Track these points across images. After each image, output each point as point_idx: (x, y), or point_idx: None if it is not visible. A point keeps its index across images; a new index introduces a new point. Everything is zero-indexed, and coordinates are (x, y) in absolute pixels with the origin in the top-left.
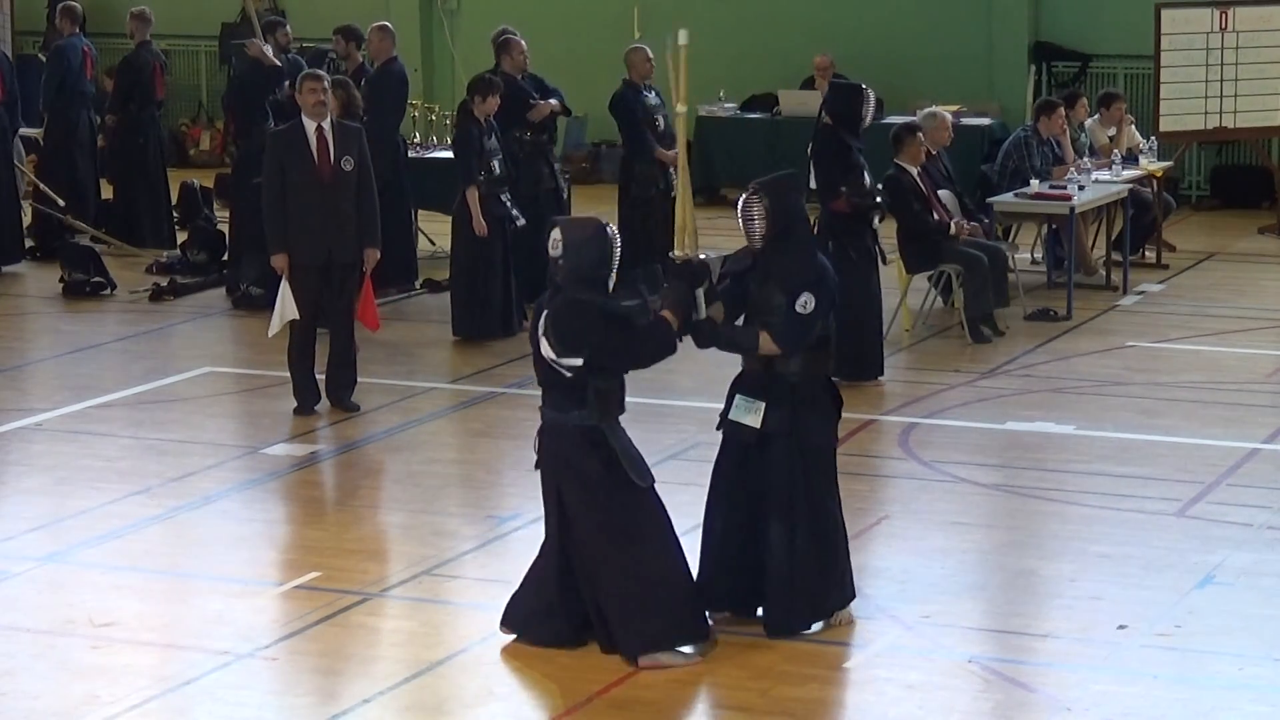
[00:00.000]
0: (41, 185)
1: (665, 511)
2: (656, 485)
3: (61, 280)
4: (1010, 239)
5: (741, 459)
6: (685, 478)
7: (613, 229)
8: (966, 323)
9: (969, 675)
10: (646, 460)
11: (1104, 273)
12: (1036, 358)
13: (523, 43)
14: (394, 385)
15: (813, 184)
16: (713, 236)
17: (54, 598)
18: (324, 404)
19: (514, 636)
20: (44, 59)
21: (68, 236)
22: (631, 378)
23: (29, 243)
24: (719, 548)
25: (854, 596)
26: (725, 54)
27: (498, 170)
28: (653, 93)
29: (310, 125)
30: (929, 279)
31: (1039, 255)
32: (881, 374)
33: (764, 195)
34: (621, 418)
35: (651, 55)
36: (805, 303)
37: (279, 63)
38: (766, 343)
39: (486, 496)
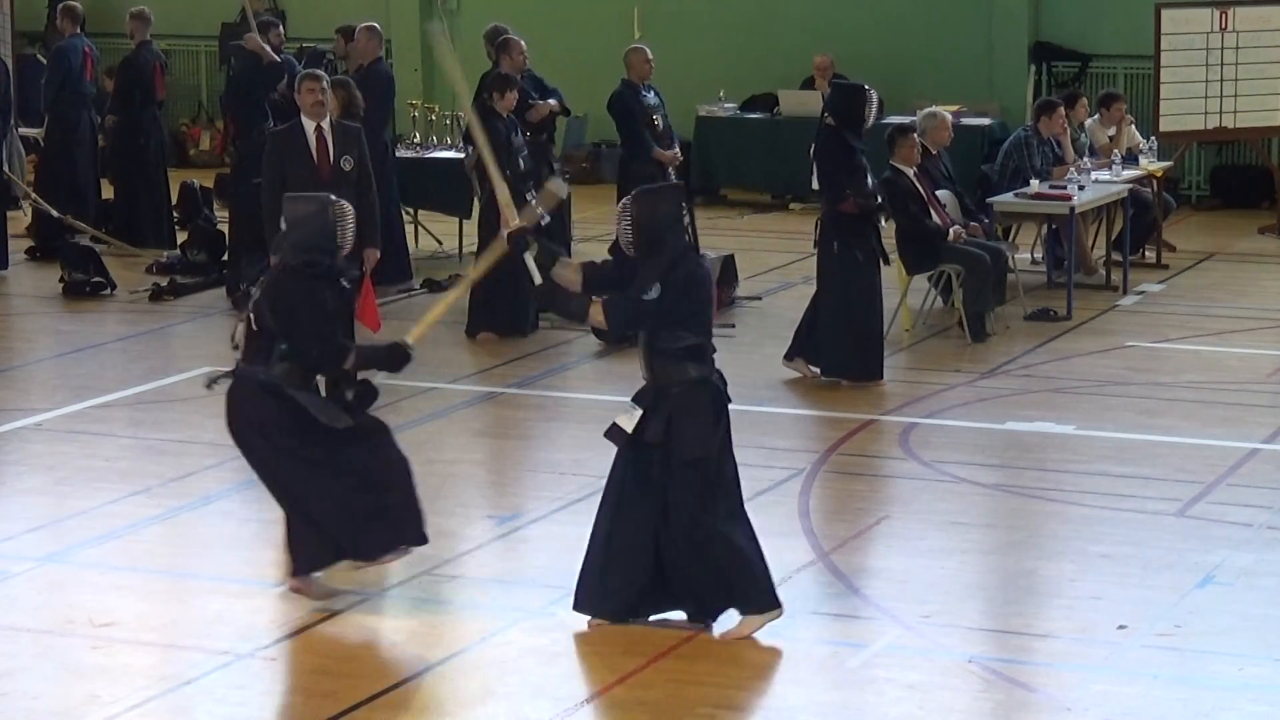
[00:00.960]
0: (33, 195)
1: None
2: None
3: (61, 280)
4: (1010, 239)
5: (625, 465)
6: None
7: (340, 206)
8: (966, 322)
9: (969, 675)
10: None
11: (1104, 273)
12: (1036, 358)
13: (522, 42)
14: (394, 385)
15: (815, 185)
16: (712, 237)
17: (54, 598)
18: None
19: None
20: (44, 59)
21: (68, 236)
22: (630, 379)
23: (29, 243)
24: (604, 555)
25: (766, 609)
26: (725, 54)
27: (523, 167)
28: (651, 92)
29: (309, 125)
30: (929, 279)
31: (1039, 255)
32: (882, 374)
33: (634, 204)
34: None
35: (651, 55)
36: (651, 291)
37: (277, 58)
38: (595, 312)
39: (487, 496)
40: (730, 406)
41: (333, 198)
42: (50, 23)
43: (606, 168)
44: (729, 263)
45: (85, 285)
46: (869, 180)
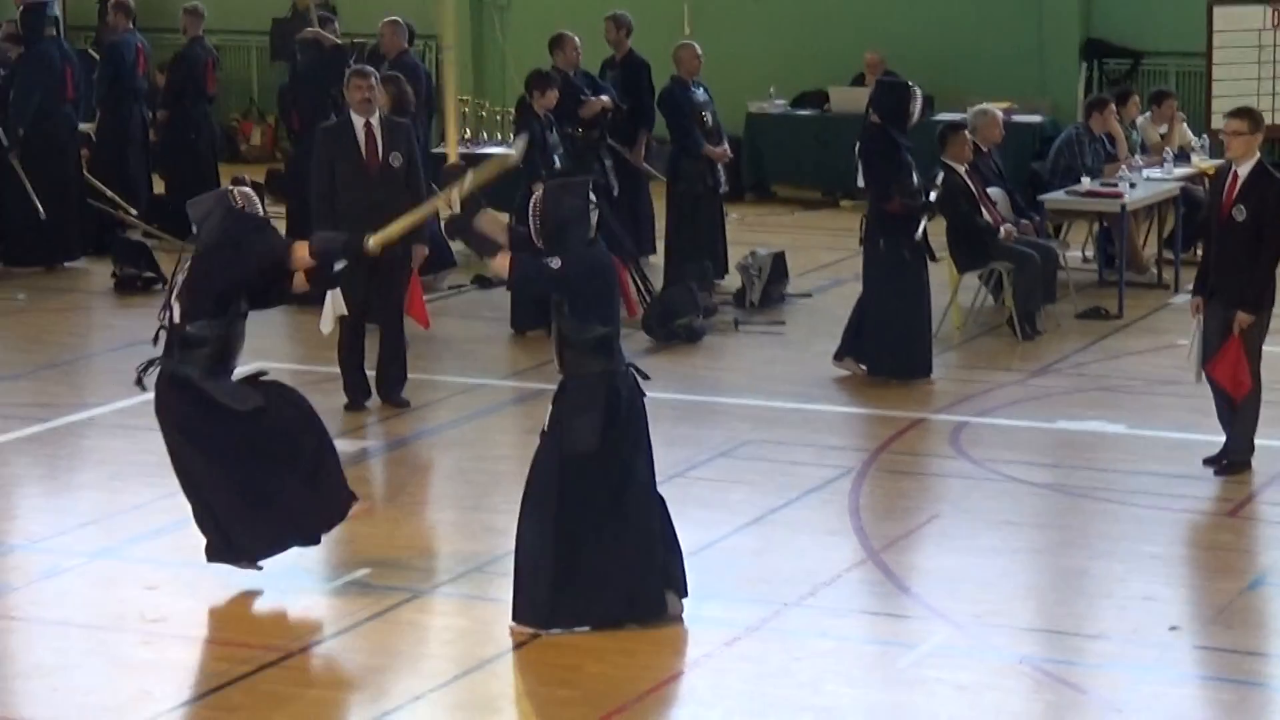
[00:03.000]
0: (96, 184)
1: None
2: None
3: (114, 275)
4: (1061, 237)
5: (534, 459)
6: (735, 475)
7: (239, 191)
8: (1017, 320)
9: (1020, 676)
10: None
11: (1155, 271)
12: (1087, 356)
13: (576, 39)
14: (445, 381)
15: (860, 182)
16: (762, 234)
17: (105, 593)
18: (374, 400)
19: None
20: (96, 54)
21: (119, 232)
22: (681, 377)
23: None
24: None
25: (612, 626)
26: (776, 51)
27: (559, 165)
28: (701, 89)
29: (359, 121)
30: (980, 277)
31: (1090, 253)
32: (931, 372)
33: (542, 197)
34: (668, 415)
35: (700, 52)
36: (554, 260)
37: (339, 41)
38: (502, 261)
39: None
40: (779, 404)
41: (229, 188)
42: (102, 18)
43: (656, 165)
44: (779, 259)
45: (137, 280)
46: (914, 178)
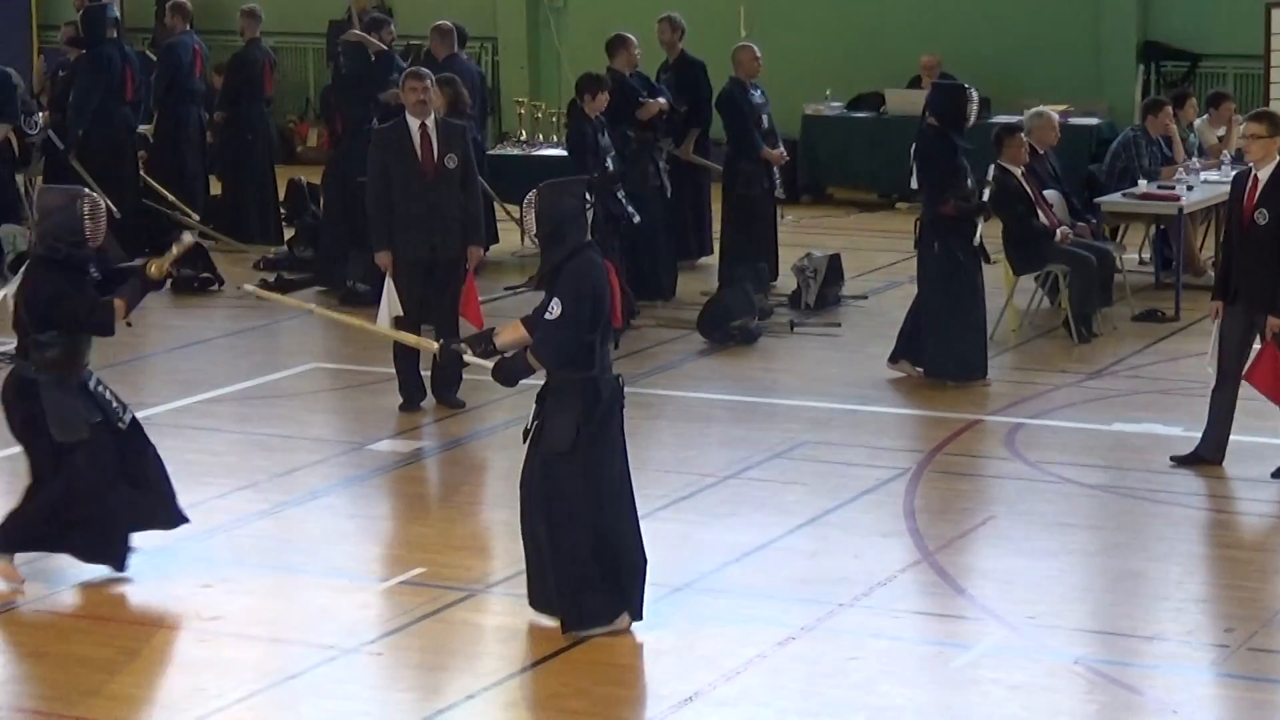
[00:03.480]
0: (166, 192)
1: (102, 463)
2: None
3: (170, 275)
4: (1118, 239)
5: (528, 460)
6: (791, 476)
7: (90, 201)
8: (1073, 323)
9: (1074, 677)
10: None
11: (1212, 273)
12: (1144, 359)
13: (635, 41)
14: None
15: (913, 184)
16: (818, 236)
17: (162, 591)
18: (429, 400)
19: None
20: (153, 56)
21: (176, 233)
22: (737, 378)
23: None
24: (534, 555)
25: (613, 618)
26: (832, 53)
27: (611, 167)
28: (758, 91)
29: (414, 123)
30: (1035, 279)
31: (1147, 256)
32: (986, 374)
33: (538, 197)
34: (723, 416)
35: (759, 54)
36: (552, 308)
37: (384, 46)
38: (532, 361)
39: None
40: (834, 406)
41: (86, 191)
42: (159, 20)
43: (715, 162)
44: (834, 261)
45: (194, 281)
46: (969, 181)
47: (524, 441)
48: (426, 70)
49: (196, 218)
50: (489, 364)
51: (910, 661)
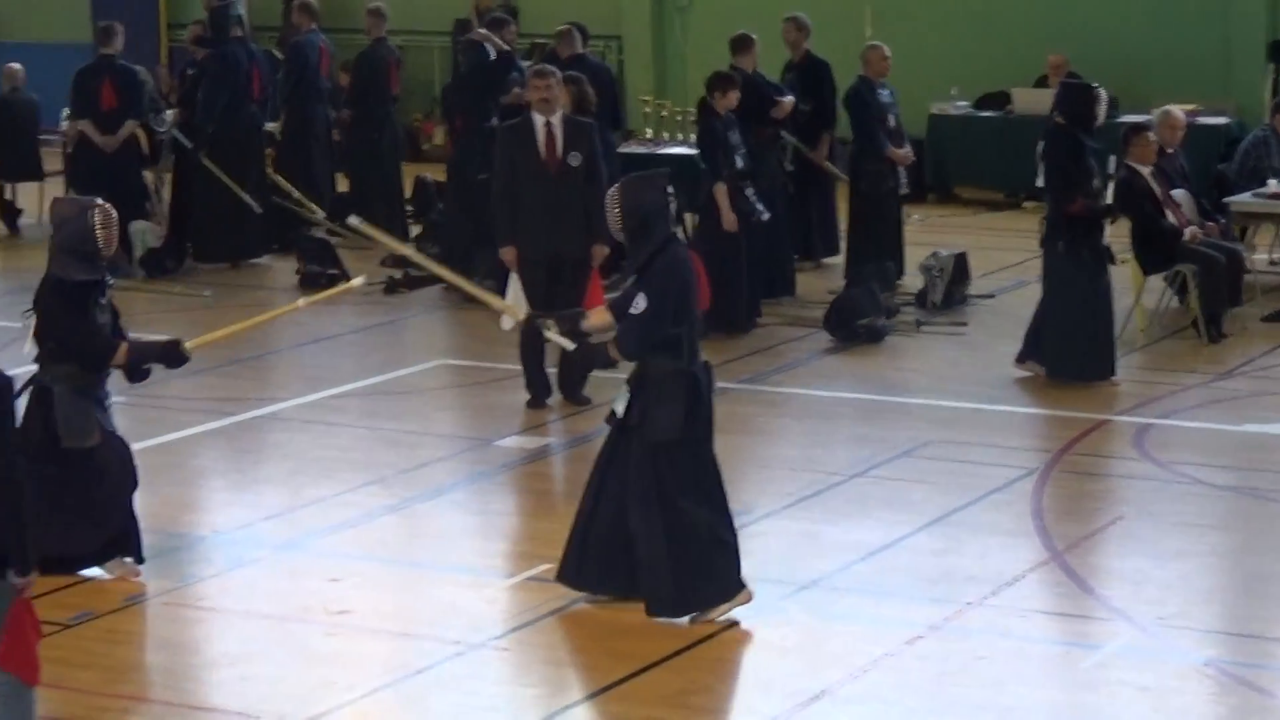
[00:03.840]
0: (293, 190)
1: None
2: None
3: (298, 272)
4: (1247, 240)
5: (613, 448)
6: (917, 475)
7: (102, 211)
8: (1202, 323)
9: (1204, 679)
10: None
11: None
12: (1274, 359)
13: (754, 38)
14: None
15: (1039, 183)
16: (944, 235)
17: (290, 585)
18: (556, 397)
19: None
20: (280, 55)
21: (304, 229)
22: (863, 377)
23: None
24: (585, 531)
25: (736, 592)
26: (958, 51)
27: (741, 165)
28: (886, 90)
29: (539, 120)
30: (1164, 279)
31: (1276, 256)
32: (1114, 374)
33: (621, 192)
34: (850, 414)
35: (888, 53)
36: (636, 303)
37: (505, 47)
38: (613, 352)
39: None
40: (961, 405)
41: (98, 201)
42: (286, 19)
43: (838, 165)
44: (961, 260)
45: (321, 277)
46: (1096, 181)
47: (609, 424)
48: (552, 68)
49: (322, 214)
50: (570, 345)
51: (1038, 662)
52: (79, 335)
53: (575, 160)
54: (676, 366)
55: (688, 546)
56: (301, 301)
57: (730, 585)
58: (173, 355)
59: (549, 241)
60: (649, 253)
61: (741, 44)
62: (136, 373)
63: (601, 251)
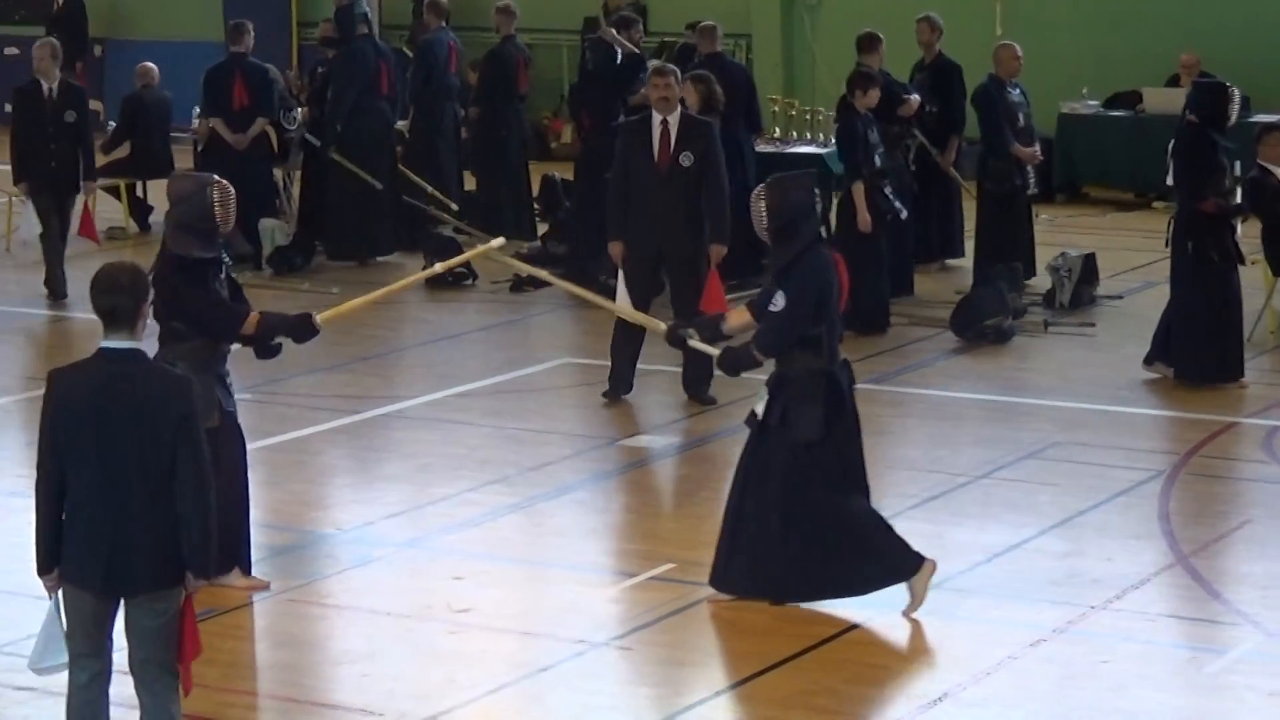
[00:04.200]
0: (427, 186)
1: (234, 455)
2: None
3: (425, 269)
4: None
5: (754, 449)
6: (1044, 477)
7: (220, 188)
8: None
9: None
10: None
11: None
12: None
13: (882, 39)
14: (750, 379)
15: (1169, 182)
16: (1073, 235)
17: (413, 583)
18: (681, 396)
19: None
20: (410, 53)
21: (431, 227)
22: (990, 377)
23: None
24: (733, 535)
25: (909, 574)
26: (1089, 51)
27: (879, 163)
28: (1017, 89)
29: (656, 119)
30: None
31: None
32: (1243, 376)
33: (767, 191)
34: (976, 415)
35: (1020, 53)
36: (775, 301)
37: (635, 49)
38: (756, 354)
39: None
40: (1088, 406)
41: (216, 178)
42: (416, 17)
43: (966, 164)
44: (1089, 261)
45: (448, 275)
46: (1228, 180)
47: (749, 425)
48: (673, 67)
49: (455, 207)
50: (714, 351)
51: (1163, 666)
52: (206, 307)
53: (687, 160)
54: (816, 367)
55: (814, 546)
56: (439, 266)
57: (903, 565)
58: (304, 327)
59: (654, 240)
60: (793, 252)
61: (868, 42)
62: (266, 348)
63: (719, 251)
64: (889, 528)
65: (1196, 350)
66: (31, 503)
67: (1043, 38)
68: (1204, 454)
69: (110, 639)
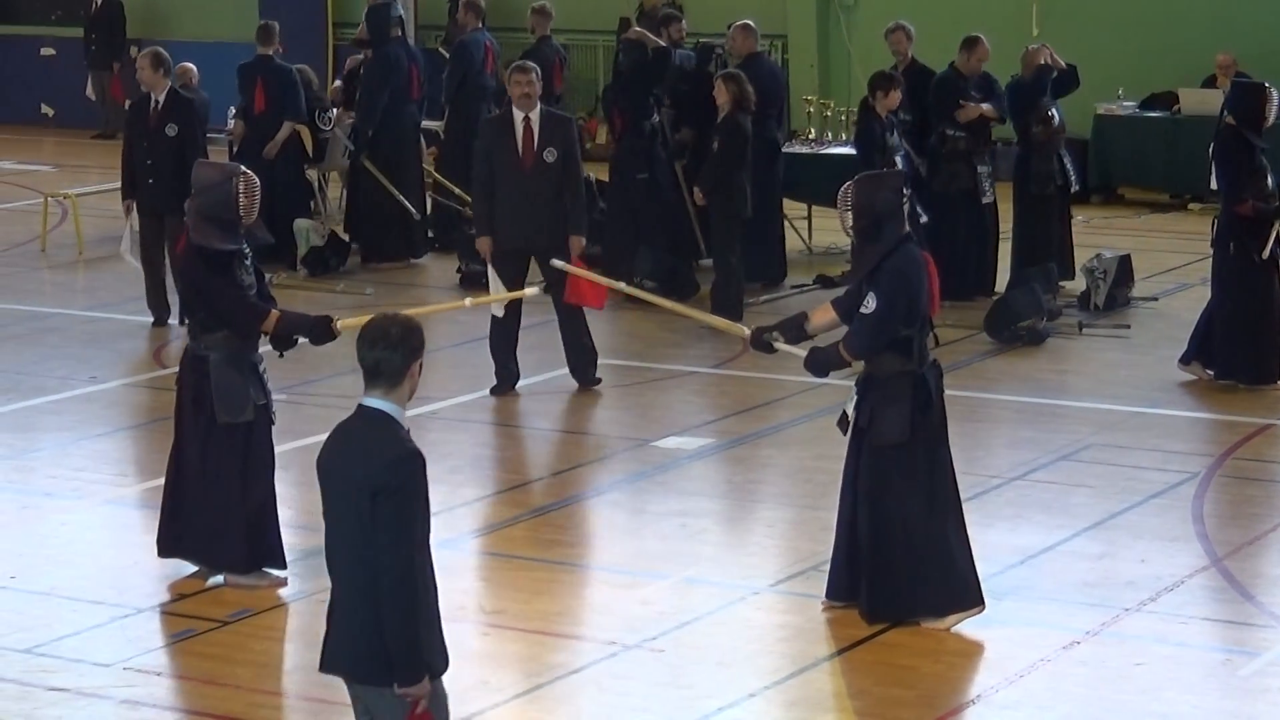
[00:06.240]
0: (444, 181)
1: (265, 449)
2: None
3: (459, 271)
4: None
5: (854, 452)
6: (1078, 479)
7: (245, 179)
8: None
9: None
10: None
11: None
12: None
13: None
14: (785, 381)
15: (1213, 184)
16: (1109, 236)
17: (445, 584)
18: (713, 399)
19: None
20: (446, 53)
21: (465, 228)
22: (1024, 379)
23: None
24: (847, 544)
25: (971, 604)
26: (1125, 51)
27: (899, 167)
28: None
29: (518, 115)
30: None
31: None
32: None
33: (855, 189)
34: (1010, 416)
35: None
36: (867, 303)
37: (662, 44)
38: (845, 355)
39: None
40: (1122, 408)
41: (242, 168)
42: (452, 17)
43: (1002, 165)
44: (1125, 262)
45: (482, 276)
46: (1268, 181)
47: (842, 431)
48: (533, 64)
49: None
50: (800, 352)
51: (1197, 668)
52: (228, 301)
53: (551, 156)
54: (904, 368)
55: (901, 556)
56: (469, 301)
57: (960, 594)
58: (322, 330)
59: (521, 234)
60: (881, 252)
61: (970, 43)
62: (284, 341)
63: (579, 243)
64: (954, 550)
65: (1237, 350)
66: (64, 504)
67: (1079, 38)
68: (1239, 456)
69: None
